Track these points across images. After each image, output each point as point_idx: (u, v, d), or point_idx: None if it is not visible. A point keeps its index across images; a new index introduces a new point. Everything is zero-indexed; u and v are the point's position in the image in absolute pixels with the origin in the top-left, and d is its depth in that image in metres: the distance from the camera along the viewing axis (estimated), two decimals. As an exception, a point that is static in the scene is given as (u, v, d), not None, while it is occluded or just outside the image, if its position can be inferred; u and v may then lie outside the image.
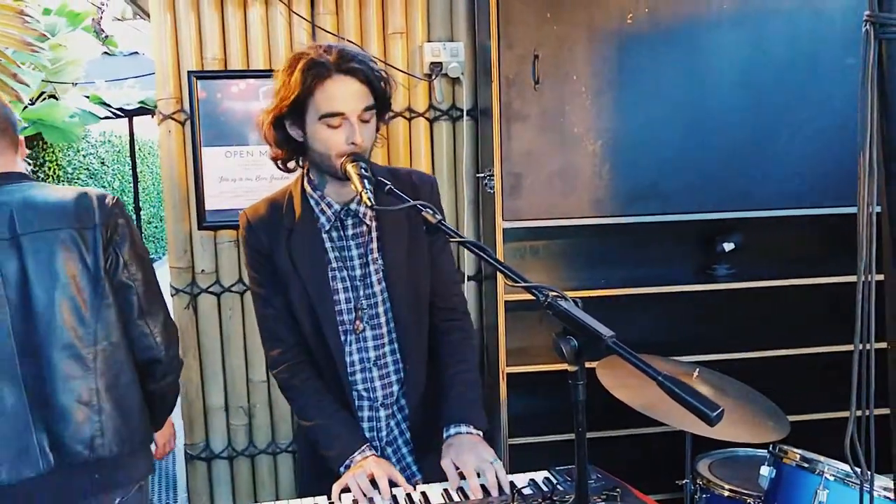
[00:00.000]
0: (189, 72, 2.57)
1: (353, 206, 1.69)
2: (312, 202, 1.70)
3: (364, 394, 1.76)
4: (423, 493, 1.60)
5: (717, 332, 2.76)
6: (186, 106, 2.59)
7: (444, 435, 1.70)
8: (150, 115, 7.55)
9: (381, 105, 1.64)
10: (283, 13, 2.60)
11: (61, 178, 8.83)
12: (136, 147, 10.19)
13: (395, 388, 1.77)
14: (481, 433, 1.71)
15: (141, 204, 9.83)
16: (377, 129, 1.68)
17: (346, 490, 1.60)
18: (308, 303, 1.70)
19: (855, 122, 2.55)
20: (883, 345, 1.14)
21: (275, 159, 1.71)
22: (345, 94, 1.57)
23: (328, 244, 1.71)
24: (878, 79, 1.04)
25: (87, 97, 5.68)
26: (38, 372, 1.63)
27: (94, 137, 10.04)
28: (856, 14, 2.54)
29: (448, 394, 1.74)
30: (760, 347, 2.67)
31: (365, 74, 1.58)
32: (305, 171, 1.72)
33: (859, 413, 1.09)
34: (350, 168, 1.56)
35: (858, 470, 1.12)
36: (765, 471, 2.03)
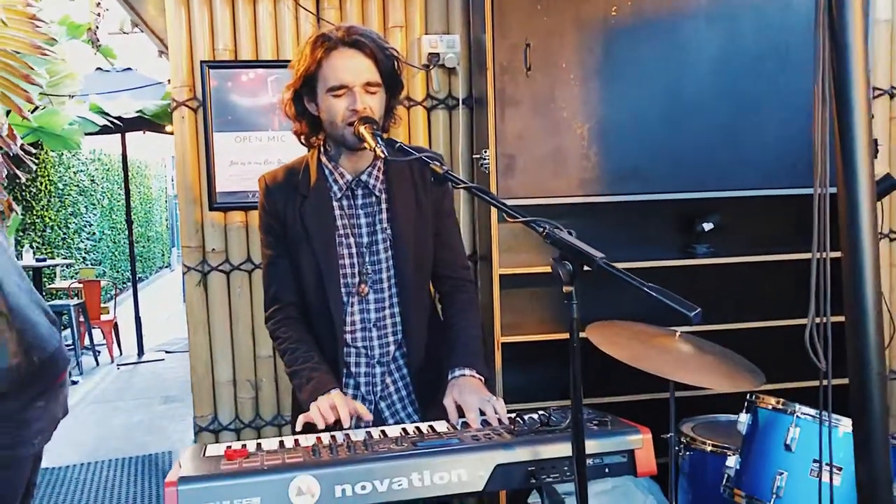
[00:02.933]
0: (202, 61, 2.73)
1: (363, 177, 1.81)
2: (326, 171, 1.82)
3: (362, 351, 1.88)
4: (431, 426, 1.75)
5: (696, 304, 2.91)
6: (199, 94, 2.75)
7: (449, 377, 1.81)
8: (141, 132, 7.67)
9: (388, 81, 1.75)
10: (290, 7, 2.78)
11: (53, 194, 8.93)
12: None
13: (392, 347, 1.89)
14: (483, 379, 1.82)
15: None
16: (391, 107, 1.80)
17: (313, 428, 1.69)
18: (315, 264, 1.82)
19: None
20: (837, 254, 1.31)
21: (297, 134, 1.83)
22: (349, 65, 1.70)
23: (338, 212, 1.83)
24: (828, 23, 1.21)
25: (88, 107, 5.83)
26: None
27: (84, 155, 10.14)
28: (810, 12, 2.75)
29: (454, 345, 1.86)
30: (737, 319, 2.84)
31: (370, 49, 1.70)
32: (323, 141, 1.84)
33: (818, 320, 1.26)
34: (363, 129, 1.70)
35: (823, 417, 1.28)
36: (743, 418, 2.19)
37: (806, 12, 2.75)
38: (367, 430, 1.71)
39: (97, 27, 5.29)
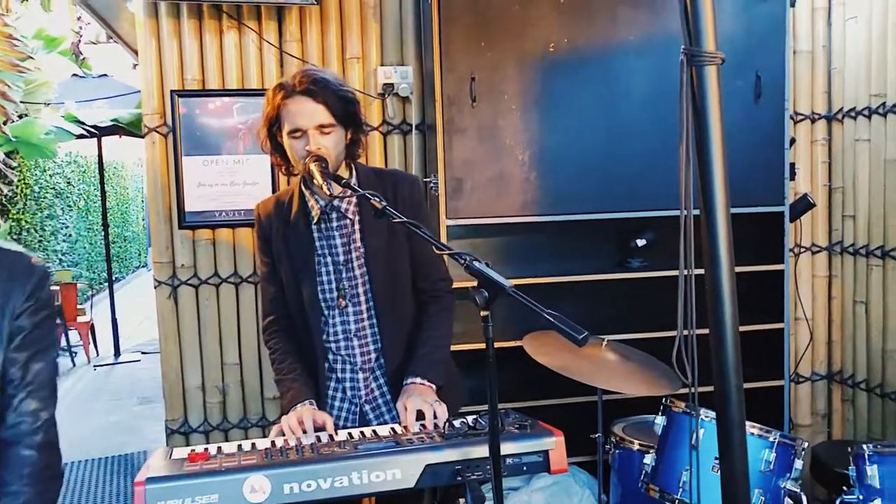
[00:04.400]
0: (171, 90, 2.93)
1: (335, 202, 2.04)
2: (305, 198, 2.06)
3: (347, 359, 2.11)
4: (374, 431, 1.98)
5: (631, 314, 3.17)
6: (169, 120, 2.94)
7: (403, 384, 2.04)
8: (117, 136, 7.79)
9: (342, 120, 1.96)
10: (255, 40, 2.98)
11: (29, 197, 9.04)
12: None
13: (373, 355, 2.11)
14: (434, 386, 2.02)
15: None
16: (354, 141, 2.02)
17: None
18: (296, 282, 2.07)
19: (740, 133, 3.09)
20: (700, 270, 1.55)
21: (277, 165, 2.08)
22: (302, 111, 1.92)
23: (316, 234, 2.07)
24: (690, 94, 1.46)
25: (63, 116, 5.98)
26: None
27: (60, 158, 10.22)
28: (737, 46, 3.00)
29: (414, 353, 2.08)
30: (667, 328, 3.08)
31: (322, 95, 1.91)
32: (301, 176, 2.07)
33: (686, 333, 1.50)
34: (312, 166, 1.94)
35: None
36: (659, 419, 2.44)
37: (727, 48, 2.99)
38: (320, 434, 1.93)
39: (79, 40, 5.43)
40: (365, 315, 2.10)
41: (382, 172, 2.21)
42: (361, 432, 1.95)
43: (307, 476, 1.70)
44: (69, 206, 10.80)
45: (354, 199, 2.06)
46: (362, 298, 2.08)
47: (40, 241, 9.43)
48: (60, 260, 10.17)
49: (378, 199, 1.85)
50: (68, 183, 10.78)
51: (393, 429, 1.98)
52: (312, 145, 1.92)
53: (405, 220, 1.83)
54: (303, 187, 2.08)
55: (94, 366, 8.06)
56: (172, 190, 2.96)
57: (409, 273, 2.13)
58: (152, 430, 5.86)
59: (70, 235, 10.76)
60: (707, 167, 1.48)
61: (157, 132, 2.95)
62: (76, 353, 8.29)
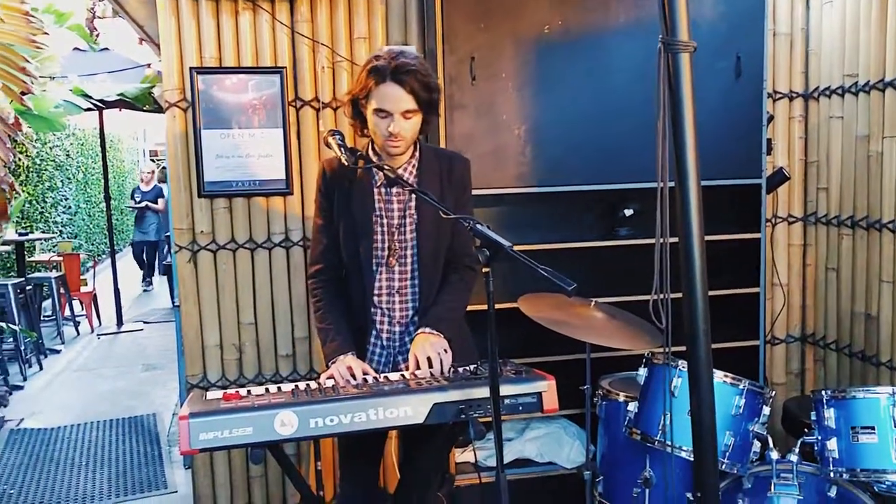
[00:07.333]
0: (190, 68, 3.12)
1: (399, 171, 2.27)
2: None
3: (387, 312, 2.35)
4: (386, 376, 2.22)
5: (617, 279, 3.39)
6: (188, 96, 3.14)
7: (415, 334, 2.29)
8: (117, 109, 7.93)
9: (423, 108, 2.18)
10: (268, 20, 3.17)
11: (31, 170, 9.19)
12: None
13: (410, 311, 2.36)
14: (441, 336, 2.24)
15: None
16: (428, 122, 2.24)
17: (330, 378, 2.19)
18: (353, 238, 2.30)
19: (721, 111, 3.32)
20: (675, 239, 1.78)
21: (353, 127, 2.31)
22: (392, 97, 2.14)
23: (376, 196, 2.30)
24: (667, 78, 1.68)
25: (71, 90, 6.13)
26: None
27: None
28: (719, 29, 3.22)
29: (430, 308, 2.33)
30: (650, 291, 3.31)
31: (411, 85, 2.13)
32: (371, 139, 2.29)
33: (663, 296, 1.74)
34: (330, 140, 2.20)
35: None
36: (642, 371, 2.69)
37: (707, 33, 3.20)
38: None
39: (94, 15, 5.56)
40: (408, 275, 2.34)
41: (441, 152, 2.45)
42: (375, 377, 2.19)
43: (330, 412, 1.95)
44: (69, 178, 10.94)
45: (415, 171, 2.29)
46: (409, 260, 2.33)
47: (41, 213, 9.60)
48: (61, 231, 10.35)
49: (389, 169, 2.12)
50: (67, 155, 10.93)
51: (403, 375, 2.22)
52: (395, 128, 2.15)
53: (415, 188, 2.09)
54: (370, 151, 2.29)
55: (98, 335, 8.27)
56: (192, 160, 3.15)
57: (447, 246, 2.36)
58: (159, 395, 6.09)
59: (69, 208, 10.91)
60: (681, 143, 1.71)
61: (178, 107, 3.14)
62: (80, 322, 8.50)
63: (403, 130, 2.16)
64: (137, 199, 10.12)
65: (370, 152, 2.30)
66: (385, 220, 2.30)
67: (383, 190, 2.30)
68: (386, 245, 2.31)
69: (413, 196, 2.29)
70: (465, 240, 2.33)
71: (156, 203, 10.10)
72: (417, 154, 2.32)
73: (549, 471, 3.31)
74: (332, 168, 2.33)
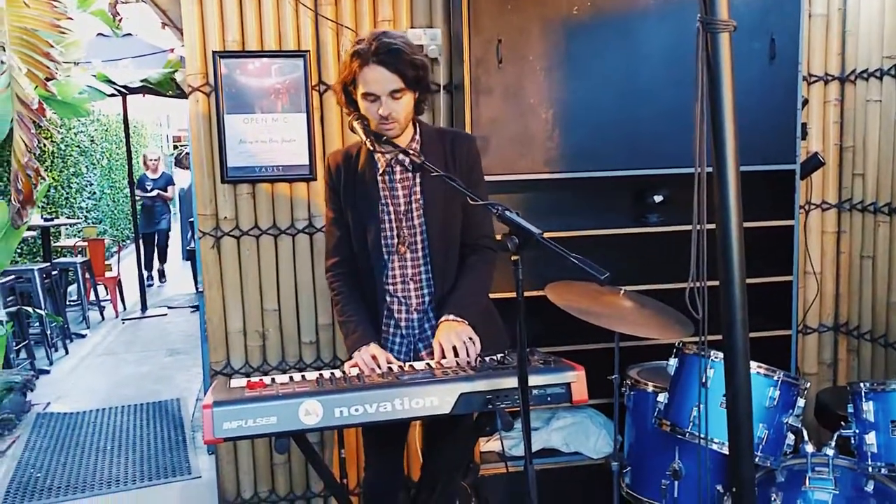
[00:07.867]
0: (213, 52, 3.08)
1: (400, 156, 2.24)
2: (373, 152, 2.23)
3: (403, 300, 2.32)
4: (411, 365, 2.18)
5: (647, 267, 3.33)
6: (211, 80, 3.10)
7: (439, 321, 2.25)
8: (141, 95, 7.95)
9: (412, 86, 2.14)
10: (291, 3, 3.13)
11: (56, 155, 9.25)
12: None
13: (426, 298, 2.33)
14: (466, 322, 2.19)
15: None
16: (422, 101, 2.21)
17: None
18: (361, 228, 2.27)
19: (754, 94, 3.23)
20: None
21: (348, 115, 2.25)
22: (377, 79, 2.10)
23: (381, 185, 2.27)
24: (705, 59, 1.61)
25: (94, 76, 6.13)
26: None
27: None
28: (753, 9, 3.12)
29: (452, 294, 2.29)
30: (682, 280, 3.24)
31: (394, 64, 2.08)
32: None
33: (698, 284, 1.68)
34: (355, 124, 2.16)
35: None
36: (672, 361, 2.63)
37: (745, 13, 3.11)
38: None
39: (116, 1, 5.54)
40: (421, 261, 2.30)
41: (444, 131, 2.40)
42: (400, 366, 2.16)
43: (355, 402, 1.91)
44: (93, 164, 11.01)
45: (417, 154, 2.23)
46: (419, 246, 2.29)
47: (66, 199, 9.66)
48: (85, 217, 10.42)
49: (417, 155, 2.07)
50: (92, 141, 10.98)
51: (429, 364, 2.18)
52: (384, 110, 2.12)
53: (442, 173, 2.03)
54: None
55: (123, 319, 8.33)
56: (215, 146, 3.13)
57: (460, 228, 2.32)
58: (183, 380, 6.12)
59: (94, 193, 10.98)
60: (720, 127, 1.64)
61: (201, 91, 3.11)
62: (104, 307, 8.56)
63: (394, 112, 2.13)
64: (149, 188, 9.89)
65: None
66: (391, 208, 2.27)
67: (387, 178, 2.26)
68: (395, 233, 2.27)
69: (418, 181, 2.25)
70: (479, 219, 2.31)
71: (165, 191, 10.01)
72: (418, 136, 2.27)
73: (575, 461, 3.26)
74: (335, 161, 2.31)
